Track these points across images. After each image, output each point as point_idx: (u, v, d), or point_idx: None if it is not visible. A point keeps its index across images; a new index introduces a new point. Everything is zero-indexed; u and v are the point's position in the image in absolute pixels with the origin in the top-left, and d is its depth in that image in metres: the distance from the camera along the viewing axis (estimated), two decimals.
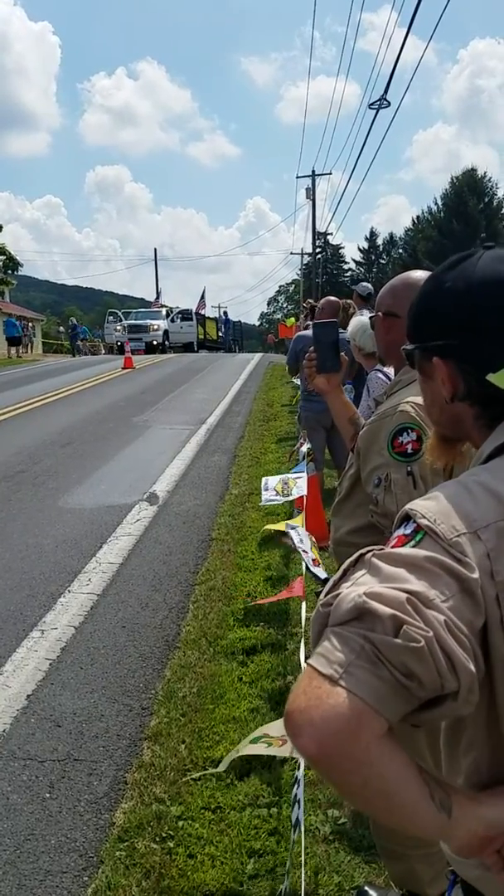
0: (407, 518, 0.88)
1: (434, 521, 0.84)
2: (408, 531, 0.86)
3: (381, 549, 0.85)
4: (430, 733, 1.09)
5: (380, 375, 4.01)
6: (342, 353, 2.25)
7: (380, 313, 1.98)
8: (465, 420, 1.03)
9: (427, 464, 1.70)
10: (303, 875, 1.94)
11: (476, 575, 0.81)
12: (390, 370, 3.07)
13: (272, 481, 5.07)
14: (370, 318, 2.07)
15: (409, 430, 1.77)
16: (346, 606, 0.78)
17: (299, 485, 4.87)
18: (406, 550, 0.83)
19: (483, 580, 0.82)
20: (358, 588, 0.79)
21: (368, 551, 0.85)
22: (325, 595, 0.83)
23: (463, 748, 0.94)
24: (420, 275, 1.86)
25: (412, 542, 0.84)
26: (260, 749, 2.27)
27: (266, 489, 5.00)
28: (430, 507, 0.87)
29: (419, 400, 1.75)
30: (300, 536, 3.86)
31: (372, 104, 16.86)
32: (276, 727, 2.32)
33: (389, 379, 3.92)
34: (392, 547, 0.85)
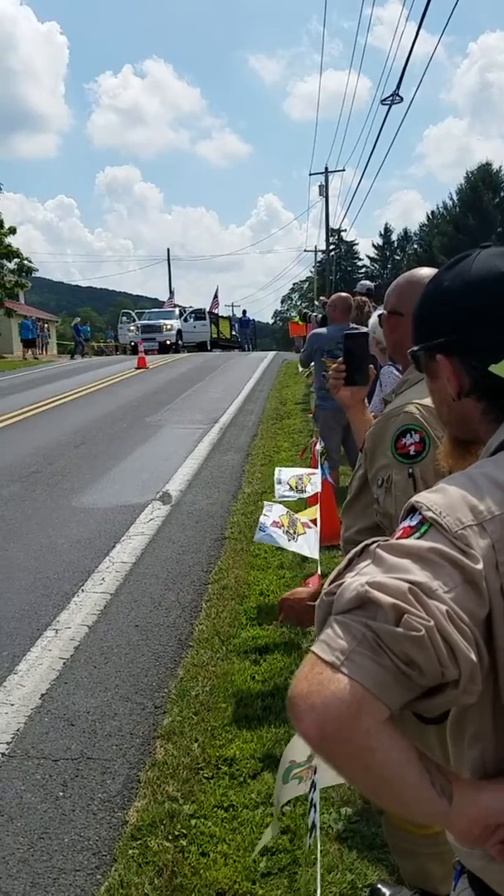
0: (413, 510, 0.89)
1: (439, 513, 0.85)
2: (413, 522, 0.87)
3: (387, 540, 0.86)
4: (439, 728, 1.10)
5: (393, 370, 3.99)
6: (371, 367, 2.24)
7: (386, 311, 1.97)
8: (474, 417, 1.04)
9: (430, 467, 1.69)
10: (318, 877, 1.94)
11: (480, 566, 0.82)
12: None
13: (286, 474, 4.84)
14: (379, 315, 2.07)
15: (413, 432, 1.76)
16: (348, 595, 0.79)
17: (314, 481, 4.85)
18: (410, 542, 0.84)
19: (487, 571, 0.83)
20: (362, 577, 0.81)
21: (374, 542, 0.86)
22: (330, 584, 0.84)
23: (468, 741, 0.95)
24: (425, 272, 1.86)
25: (417, 534, 0.85)
26: (297, 790, 2.19)
27: (279, 482, 4.79)
28: (436, 499, 0.88)
29: (424, 401, 1.75)
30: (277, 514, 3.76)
31: (384, 100, 16.81)
32: (298, 748, 2.23)
33: (401, 373, 3.91)
34: (397, 538, 0.86)
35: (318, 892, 1.97)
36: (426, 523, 0.85)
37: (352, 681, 0.75)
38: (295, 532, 4.09)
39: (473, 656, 0.78)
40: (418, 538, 0.84)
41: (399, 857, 2.19)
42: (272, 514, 4.13)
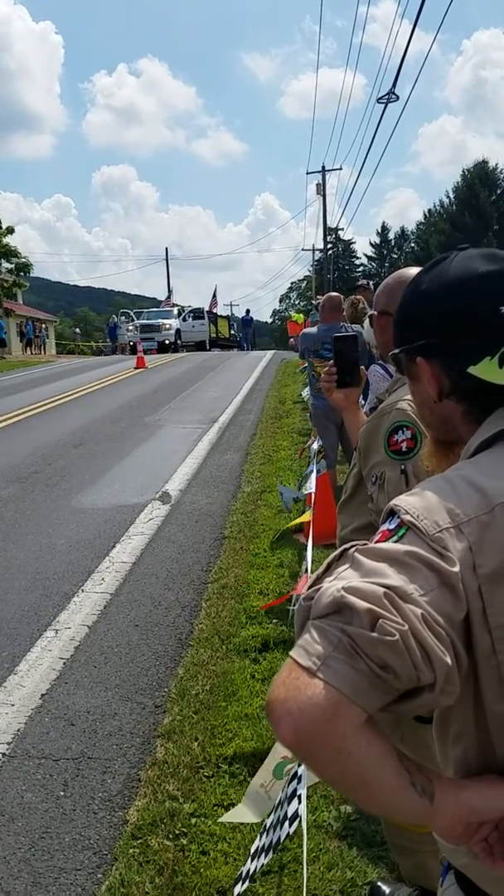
0: (392, 513, 0.90)
1: (417, 516, 0.86)
2: (392, 526, 0.88)
3: (365, 544, 0.86)
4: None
5: (377, 368, 4.00)
6: (361, 368, 2.24)
7: (376, 312, 1.98)
8: (455, 418, 1.05)
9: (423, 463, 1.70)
10: (304, 871, 1.95)
11: (456, 569, 0.83)
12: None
13: (287, 491, 5.11)
14: (369, 316, 2.08)
15: (405, 429, 1.77)
16: (325, 601, 0.80)
17: (309, 485, 4.89)
18: (388, 545, 0.84)
19: (464, 574, 0.83)
20: (339, 582, 0.81)
21: (352, 546, 0.86)
22: (308, 589, 0.85)
23: (452, 739, 0.96)
24: (414, 272, 1.86)
25: (395, 538, 0.85)
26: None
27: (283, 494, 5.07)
28: (414, 502, 0.88)
29: None
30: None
31: (380, 98, 16.80)
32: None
33: (387, 371, 3.91)
34: (376, 542, 0.87)
35: (305, 883, 1.98)
36: (404, 526, 0.86)
37: (328, 686, 0.75)
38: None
39: (448, 659, 0.79)
40: (396, 541, 0.85)
41: (398, 855, 2.20)
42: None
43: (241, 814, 2.52)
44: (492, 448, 0.97)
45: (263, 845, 2.10)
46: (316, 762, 0.79)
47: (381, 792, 0.80)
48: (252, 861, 2.13)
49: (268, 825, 2.15)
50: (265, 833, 2.14)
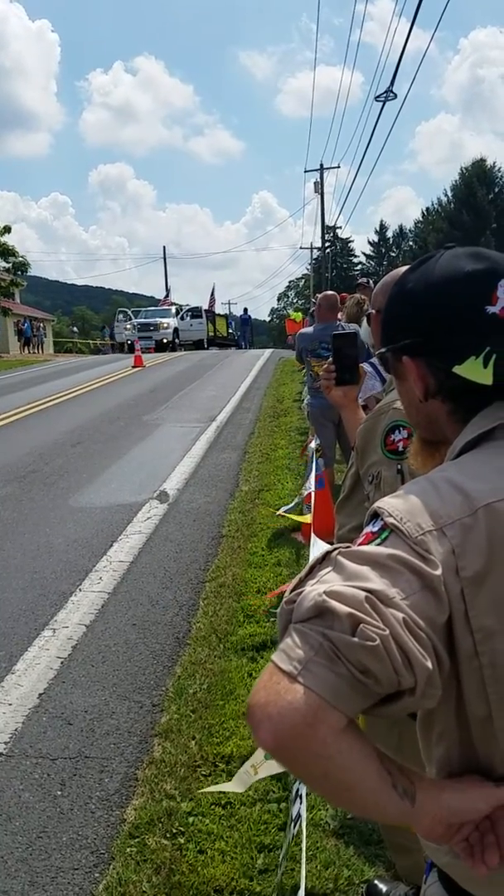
0: (375, 515, 0.89)
1: (400, 519, 0.86)
2: (375, 528, 0.87)
3: (348, 546, 0.86)
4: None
5: (367, 367, 4.00)
6: (360, 366, 2.24)
7: (374, 311, 1.98)
8: (441, 418, 1.04)
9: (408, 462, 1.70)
10: (303, 870, 1.95)
11: (439, 572, 0.82)
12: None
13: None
14: (367, 314, 2.08)
15: (402, 428, 1.77)
16: (307, 604, 0.79)
17: (307, 486, 4.90)
18: (370, 548, 0.84)
19: (447, 576, 0.83)
20: (321, 586, 0.81)
21: (335, 549, 0.86)
22: (291, 592, 0.84)
23: (435, 738, 0.96)
24: None
25: (378, 540, 0.85)
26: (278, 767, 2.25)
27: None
28: (397, 504, 0.88)
29: None
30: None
31: (378, 97, 16.79)
32: None
33: (376, 370, 3.91)
34: (359, 544, 0.86)
35: (304, 883, 1.98)
36: (387, 529, 0.86)
37: (308, 690, 0.75)
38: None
39: (429, 664, 0.79)
40: (378, 544, 0.85)
41: (395, 854, 2.20)
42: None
43: (224, 785, 2.55)
44: (476, 449, 0.97)
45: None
46: (296, 767, 0.79)
47: (362, 795, 0.80)
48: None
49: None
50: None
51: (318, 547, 4.13)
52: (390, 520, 0.86)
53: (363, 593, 0.78)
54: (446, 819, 0.86)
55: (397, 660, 0.76)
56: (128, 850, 2.52)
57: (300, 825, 1.94)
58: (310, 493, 4.96)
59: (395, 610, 0.78)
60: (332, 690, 0.76)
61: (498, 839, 0.88)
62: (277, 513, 5.81)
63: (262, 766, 2.35)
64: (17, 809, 2.75)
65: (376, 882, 2.29)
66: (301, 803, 1.94)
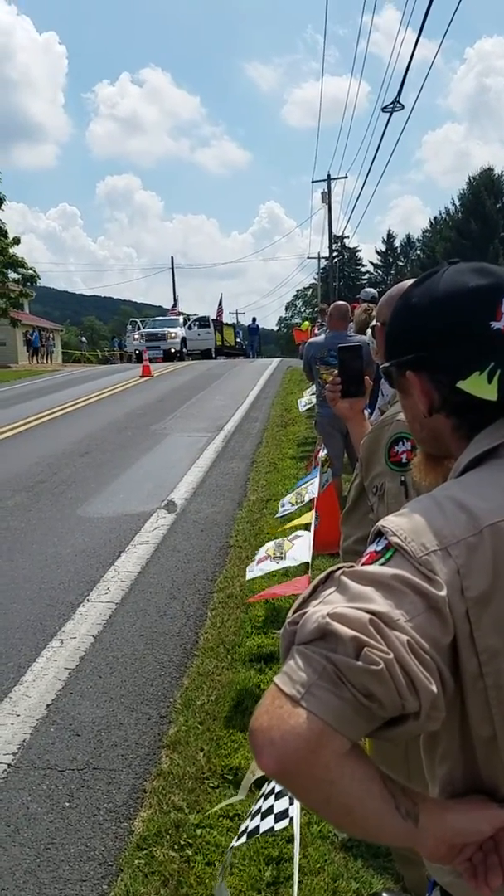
0: (379, 534, 0.88)
1: (404, 538, 0.85)
2: (379, 548, 0.86)
3: (352, 566, 0.85)
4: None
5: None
6: (366, 377, 2.24)
7: (379, 323, 1.99)
8: (445, 433, 1.04)
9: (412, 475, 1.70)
10: (295, 865, 1.95)
11: (443, 592, 0.82)
12: None
13: (286, 498, 5.06)
14: (372, 327, 2.08)
15: (405, 440, 1.77)
16: (310, 626, 0.79)
17: (311, 490, 4.89)
18: (374, 569, 0.83)
19: (452, 597, 0.82)
20: (324, 607, 0.80)
21: (338, 569, 0.85)
22: (294, 613, 0.83)
23: (439, 758, 0.95)
24: None
25: (382, 560, 0.84)
26: None
27: (282, 505, 5.05)
28: (401, 523, 0.87)
29: None
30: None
31: (385, 107, 16.87)
32: None
33: None
34: (363, 563, 0.86)
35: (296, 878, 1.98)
36: (391, 548, 0.85)
37: (311, 715, 0.74)
38: (282, 552, 4.15)
39: (434, 687, 0.78)
40: (382, 564, 0.84)
41: (403, 866, 2.19)
42: (258, 556, 4.29)
43: (231, 800, 2.56)
44: (480, 467, 0.96)
45: (247, 828, 2.09)
46: (299, 790, 0.79)
47: (364, 818, 0.80)
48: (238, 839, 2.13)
49: (253, 810, 2.14)
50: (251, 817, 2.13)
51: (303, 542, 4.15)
52: (394, 539, 0.85)
53: (367, 615, 0.77)
54: (450, 840, 0.86)
55: (401, 684, 0.76)
56: (136, 861, 2.52)
57: (289, 826, 1.92)
58: (314, 499, 4.96)
59: (399, 632, 0.77)
60: (336, 715, 0.75)
61: (501, 860, 0.87)
62: (276, 516, 5.81)
63: None
64: (26, 821, 2.75)
65: (384, 895, 2.28)
66: (292, 804, 1.92)
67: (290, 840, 2.54)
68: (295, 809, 1.92)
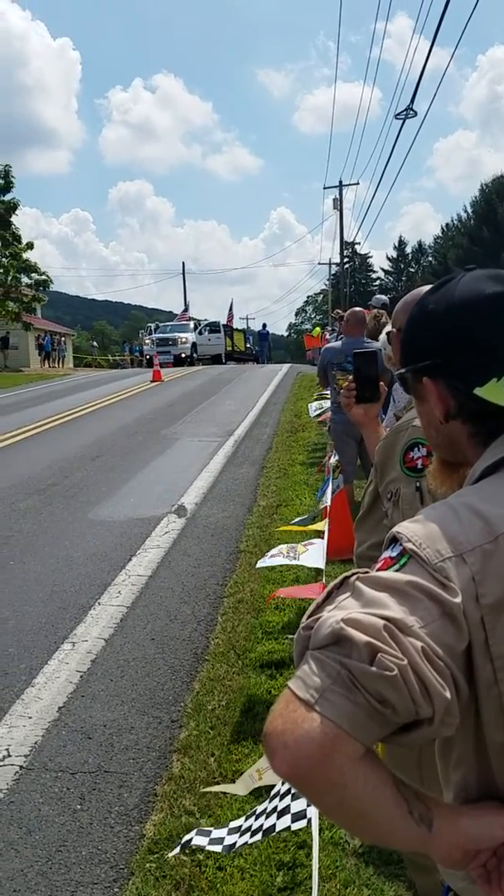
0: (394, 540, 0.88)
1: (419, 544, 0.85)
2: (394, 554, 0.86)
3: (367, 572, 0.85)
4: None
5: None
6: (381, 383, 2.25)
7: (395, 329, 1.99)
8: (461, 440, 1.03)
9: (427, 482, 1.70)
10: (315, 875, 1.95)
11: (458, 599, 0.81)
12: None
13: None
14: (387, 332, 2.09)
15: (421, 446, 1.78)
16: (325, 631, 0.79)
17: (325, 497, 4.88)
18: (389, 574, 0.83)
19: (467, 604, 0.82)
20: (339, 612, 0.80)
21: (353, 574, 0.85)
22: (308, 618, 0.83)
23: (454, 763, 0.95)
24: None
25: (396, 566, 0.84)
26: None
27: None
28: (416, 529, 0.87)
29: None
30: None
31: (398, 114, 16.87)
32: None
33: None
34: (378, 569, 0.86)
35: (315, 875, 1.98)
36: (406, 555, 0.85)
37: (325, 720, 0.75)
38: (296, 554, 4.15)
39: (448, 694, 0.78)
40: (397, 570, 0.84)
41: (415, 873, 2.18)
42: (270, 553, 4.40)
43: (227, 787, 2.57)
44: (496, 474, 0.95)
45: (251, 826, 2.09)
46: (312, 794, 0.79)
47: (377, 823, 0.80)
48: (234, 835, 2.13)
49: (259, 811, 2.15)
50: (254, 816, 2.14)
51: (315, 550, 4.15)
52: (409, 545, 0.85)
53: (381, 621, 0.77)
54: (463, 845, 0.85)
55: (415, 690, 0.76)
56: (147, 865, 2.53)
57: (308, 825, 1.92)
58: (326, 507, 4.95)
59: (413, 639, 0.77)
60: (350, 720, 0.75)
61: None
62: (291, 523, 5.78)
63: (267, 773, 2.36)
64: (37, 823, 2.76)
65: None
66: (311, 805, 1.93)
67: (302, 846, 2.55)
68: (313, 811, 1.93)
